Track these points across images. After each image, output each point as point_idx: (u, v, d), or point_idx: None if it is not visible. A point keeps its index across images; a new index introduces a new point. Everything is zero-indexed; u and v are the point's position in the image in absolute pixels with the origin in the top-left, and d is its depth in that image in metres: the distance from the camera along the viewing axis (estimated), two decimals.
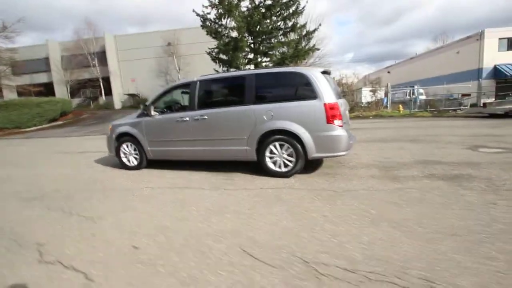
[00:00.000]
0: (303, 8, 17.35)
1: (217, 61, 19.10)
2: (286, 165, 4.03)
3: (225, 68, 18.85)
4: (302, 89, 3.93)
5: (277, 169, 4.08)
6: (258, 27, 17.16)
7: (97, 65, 30.31)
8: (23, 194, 4.07)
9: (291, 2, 17.03)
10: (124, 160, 5.26)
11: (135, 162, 5.19)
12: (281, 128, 3.92)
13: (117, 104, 30.77)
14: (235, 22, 16.65)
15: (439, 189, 3.23)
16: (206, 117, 4.37)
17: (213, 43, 19.46)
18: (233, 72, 4.71)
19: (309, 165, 4.33)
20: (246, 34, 17.09)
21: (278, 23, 17.41)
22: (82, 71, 29.83)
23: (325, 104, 3.74)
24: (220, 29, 18.28)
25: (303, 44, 17.49)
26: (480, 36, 21.87)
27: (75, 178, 4.87)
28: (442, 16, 68.58)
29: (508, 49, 21.76)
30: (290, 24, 17.55)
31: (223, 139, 4.32)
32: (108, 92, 31.01)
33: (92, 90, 31.74)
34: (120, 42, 31.03)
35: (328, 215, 2.67)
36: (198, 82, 4.56)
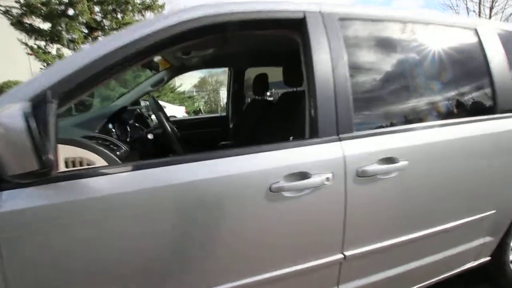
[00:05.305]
0: None
1: (22, 28, 11.38)
2: None
3: (43, 43, 11.69)
4: None
5: None
6: None
7: None
8: None
9: None
10: None
11: None
12: None
13: None
14: None
15: None
16: (405, 162, 1.18)
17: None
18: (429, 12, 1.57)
19: None
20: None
21: None
22: None
23: None
24: None
25: None
26: None
27: None
28: None
29: None
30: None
31: (440, 230, 1.31)
32: None
33: None
34: None
35: None
36: (338, 23, 1.13)
